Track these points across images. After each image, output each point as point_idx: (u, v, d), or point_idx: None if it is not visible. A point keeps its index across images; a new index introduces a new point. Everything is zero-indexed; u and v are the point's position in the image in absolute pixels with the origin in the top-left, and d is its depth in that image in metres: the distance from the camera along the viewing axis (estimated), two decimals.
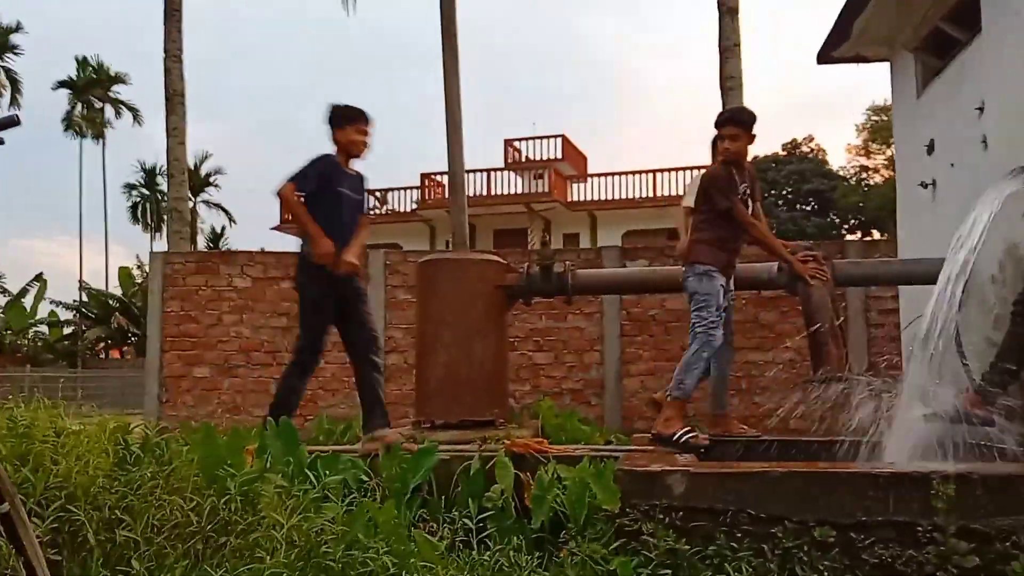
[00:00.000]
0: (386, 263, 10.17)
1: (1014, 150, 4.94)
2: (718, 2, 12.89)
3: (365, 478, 3.96)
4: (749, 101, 12.66)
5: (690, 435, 4.53)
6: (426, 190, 26.75)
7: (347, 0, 16.37)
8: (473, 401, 5.45)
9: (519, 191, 26.24)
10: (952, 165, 6.04)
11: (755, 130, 4.99)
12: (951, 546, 3.21)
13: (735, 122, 4.97)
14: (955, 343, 4.71)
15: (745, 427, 5.54)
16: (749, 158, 5.15)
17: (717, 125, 5.02)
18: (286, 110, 76.67)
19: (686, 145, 58.60)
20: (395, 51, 76.23)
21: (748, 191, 4.97)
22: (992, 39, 5.40)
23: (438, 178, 25.88)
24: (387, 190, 27.93)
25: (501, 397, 5.80)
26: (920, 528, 3.26)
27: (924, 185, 6.61)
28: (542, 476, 3.83)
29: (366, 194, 5.20)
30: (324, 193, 4.79)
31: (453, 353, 5.50)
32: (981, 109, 5.49)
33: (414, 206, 27.05)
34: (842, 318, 5.63)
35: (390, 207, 27.78)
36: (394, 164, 58.70)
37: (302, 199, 4.77)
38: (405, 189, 27.58)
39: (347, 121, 4.88)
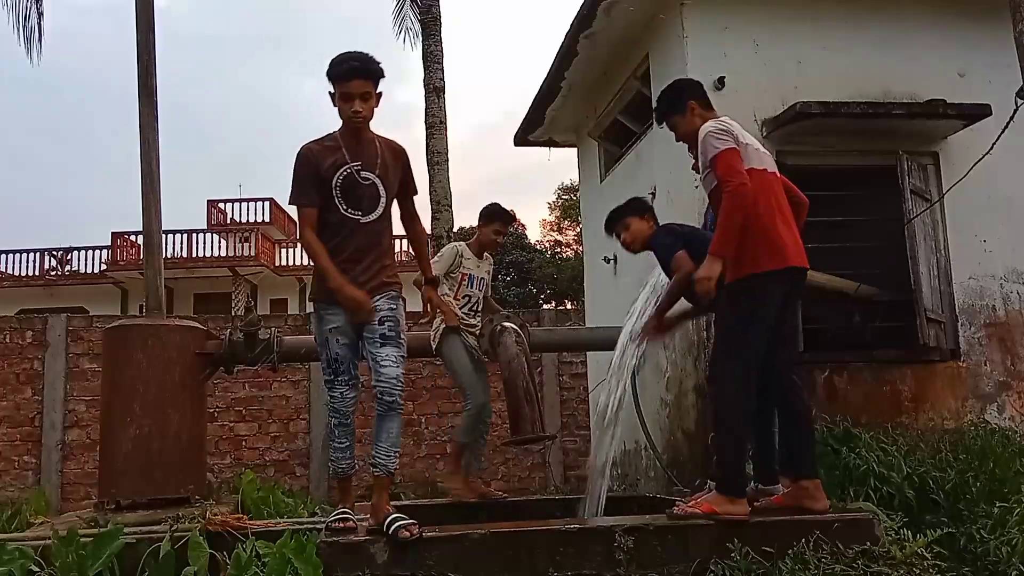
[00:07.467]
0: (69, 329, 9.29)
1: None
2: (424, 81, 13.50)
3: (36, 568, 3.57)
4: (455, 176, 13.28)
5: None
6: (118, 250, 24.79)
7: (31, 47, 14.87)
8: (165, 477, 5.10)
9: (223, 254, 25.14)
10: None
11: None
12: None
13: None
14: (634, 403, 5.18)
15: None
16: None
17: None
18: None
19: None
20: (89, 102, 70.62)
21: None
22: (662, 132, 6.12)
23: (132, 238, 24.14)
24: (71, 249, 25.53)
25: (198, 472, 5.48)
26: None
27: (607, 260, 7.28)
28: (240, 555, 3.65)
29: None
30: None
31: (145, 426, 5.12)
32: (653, 194, 6.19)
33: (103, 267, 24.92)
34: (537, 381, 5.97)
35: (74, 268, 25.38)
36: (80, 222, 54.11)
37: None
38: (93, 249, 25.35)
39: None
